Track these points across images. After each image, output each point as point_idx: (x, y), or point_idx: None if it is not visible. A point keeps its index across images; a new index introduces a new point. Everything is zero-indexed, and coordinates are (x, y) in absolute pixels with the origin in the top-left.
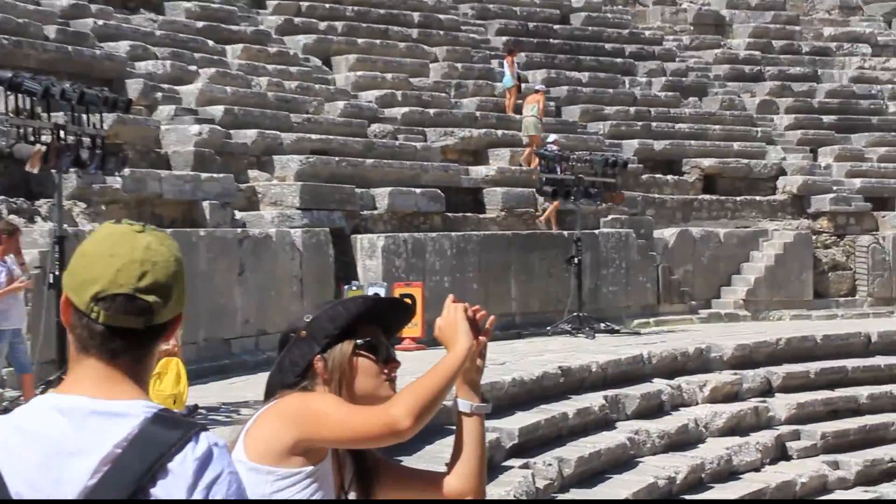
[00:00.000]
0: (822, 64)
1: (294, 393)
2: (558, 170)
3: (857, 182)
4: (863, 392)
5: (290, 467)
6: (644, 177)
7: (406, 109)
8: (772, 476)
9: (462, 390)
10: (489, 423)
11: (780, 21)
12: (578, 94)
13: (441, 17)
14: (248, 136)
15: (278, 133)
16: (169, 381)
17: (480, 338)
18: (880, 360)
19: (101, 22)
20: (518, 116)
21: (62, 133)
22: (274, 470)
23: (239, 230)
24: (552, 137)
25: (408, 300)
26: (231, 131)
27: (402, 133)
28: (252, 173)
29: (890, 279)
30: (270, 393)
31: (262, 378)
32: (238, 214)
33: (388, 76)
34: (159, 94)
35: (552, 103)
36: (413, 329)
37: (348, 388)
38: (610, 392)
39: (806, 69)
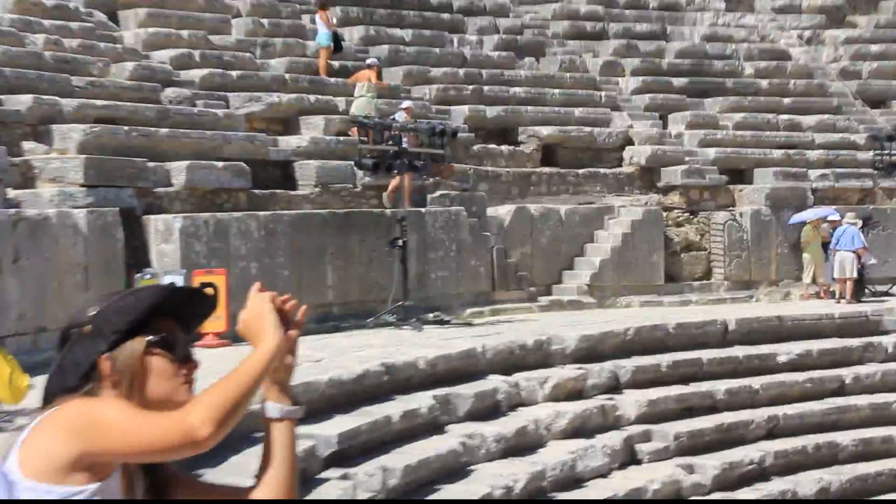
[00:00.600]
0: (671, 20)
1: (76, 398)
2: (402, 141)
3: (712, 152)
4: (719, 387)
5: (72, 485)
6: (476, 147)
7: (205, 72)
8: (620, 483)
9: (270, 392)
10: (303, 429)
11: None
12: (401, 54)
13: None
14: (21, 101)
15: (57, 99)
16: None
17: (291, 332)
18: (738, 351)
19: None
20: (332, 81)
21: None
22: (52, 489)
23: (12, 211)
24: (406, 104)
25: (209, 289)
26: (2, 97)
27: (201, 99)
28: (27, 145)
29: (748, 260)
30: (49, 399)
31: (40, 382)
32: (11, 193)
33: (184, 33)
34: None
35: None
36: (216, 323)
37: (140, 392)
38: (440, 391)
39: (654, 26)
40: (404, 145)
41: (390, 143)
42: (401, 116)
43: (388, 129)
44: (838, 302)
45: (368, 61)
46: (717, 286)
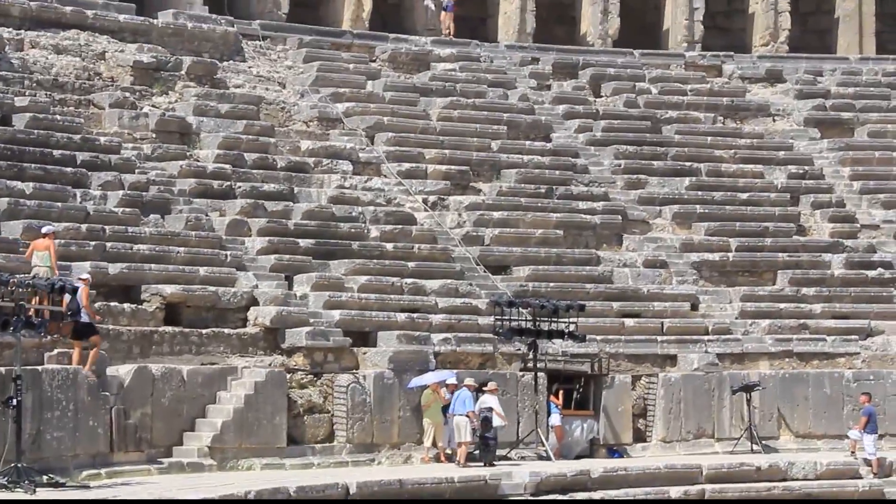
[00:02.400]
0: (298, 181)
1: None
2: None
3: (336, 314)
4: None
5: None
6: (97, 305)
7: None
8: None
9: None
10: None
11: (253, 132)
12: (21, 207)
13: None
14: None
15: None
16: None
17: None
18: None
19: None
20: None
21: None
22: None
23: None
24: (85, 275)
25: None
26: None
27: None
28: None
29: (371, 423)
30: None
31: None
32: None
33: None
34: None
35: None
36: None
37: None
38: None
39: (281, 186)
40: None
41: (6, 299)
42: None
43: (4, 284)
44: (458, 465)
45: (44, 229)
46: (339, 448)
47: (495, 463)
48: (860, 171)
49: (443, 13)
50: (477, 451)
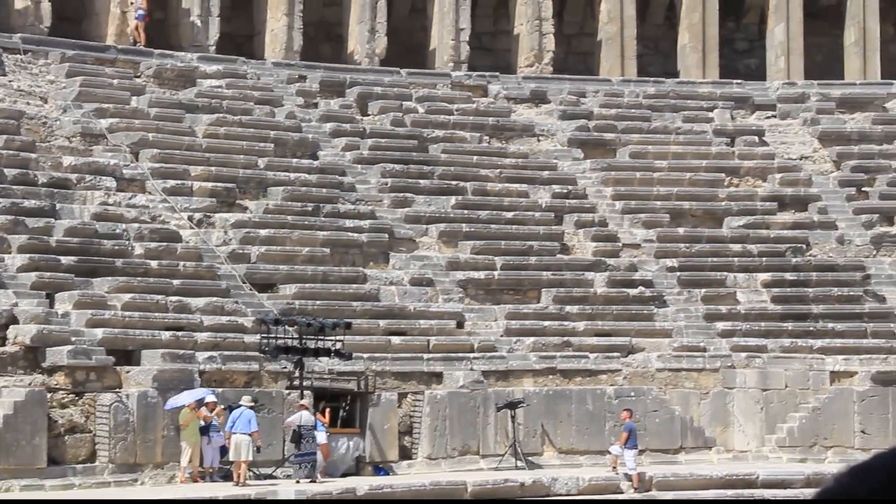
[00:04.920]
0: (61, 197)
1: None
2: None
3: (99, 333)
4: None
5: None
6: None
7: None
8: None
9: None
10: None
11: (14, 147)
12: None
13: None
14: None
15: None
16: None
17: None
18: None
19: None
20: None
21: None
22: None
23: None
24: None
25: None
26: None
27: None
28: None
29: (134, 442)
30: None
31: None
32: None
33: None
34: None
35: None
36: None
37: None
38: None
39: (43, 203)
40: None
41: None
42: None
43: None
44: (236, 484)
45: None
46: (101, 469)
47: (317, 480)
48: (622, 191)
49: (134, 22)
50: (301, 468)
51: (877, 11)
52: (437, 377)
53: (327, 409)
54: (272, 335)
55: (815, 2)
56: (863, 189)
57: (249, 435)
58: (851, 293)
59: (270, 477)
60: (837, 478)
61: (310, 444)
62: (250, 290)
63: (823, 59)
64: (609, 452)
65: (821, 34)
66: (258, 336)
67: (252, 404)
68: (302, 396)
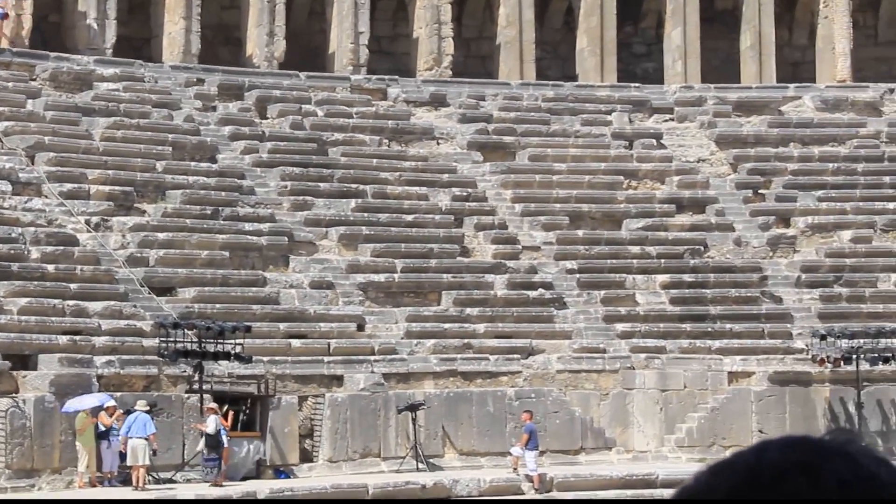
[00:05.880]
0: None
1: None
2: None
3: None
4: None
5: None
6: None
7: None
8: None
9: None
10: None
11: None
12: None
13: None
14: None
15: None
16: None
17: None
18: None
19: None
20: None
21: None
22: None
23: None
24: None
25: None
26: None
27: None
28: None
29: (31, 448)
30: None
31: None
32: None
33: None
34: None
35: None
36: None
37: None
38: None
39: None
40: None
41: None
42: None
43: None
44: (136, 489)
45: None
46: None
47: (223, 484)
48: (521, 194)
49: None
50: (209, 471)
51: (772, 16)
52: (338, 380)
53: (229, 413)
54: (171, 339)
55: (712, 6)
56: (759, 191)
57: (146, 439)
58: (748, 294)
59: (170, 481)
60: (697, 476)
61: (217, 447)
62: (149, 293)
63: (720, 63)
64: (510, 454)
65: (718, 38)
66: (157, 340)
67: (147, 408)
68: (202, 400)
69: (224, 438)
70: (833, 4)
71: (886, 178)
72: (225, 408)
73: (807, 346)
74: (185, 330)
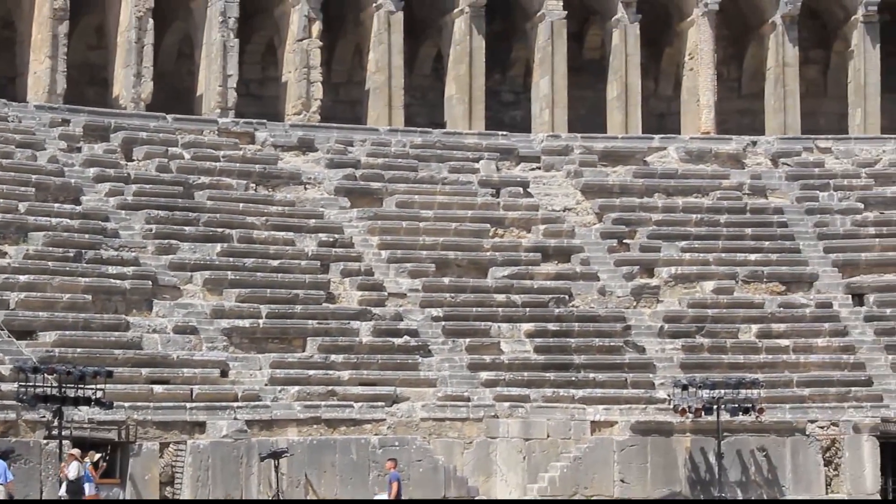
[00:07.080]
0: None
1: None
2: None
3: None
4: None
5: None
6: None
7: None
8: None
9: None
10: None
11: None
12: None
13: None
14: None
15: None
16: None
17: None
18: None
19: None
20: None
21: None
22: None
23: None
24: None
25: None
26: None
27: None
28: None
29: None
30: None
31: None
32: None
33: None
34: None
35: None
36: None
37: None
38: None
39: None
40: None
41: None
42: None
43: None
44: None
45: None
46: None
47: None
48: (388, 241)
49: None
50: None
51: (638, 67)
52: (200, 426)
53: (100, 463)
54: (31, 384)
55: (580, 55)
56: (624, 241)
57: (3, 485)
58: (612, 343)
59: None
60: None
61: (78, 493)
62: (8, 336)
63: (587, 113)
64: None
65: (585, 87)
66: (16, 384)
67: (4, 455)
68: (61, 447)
69: (90, 486)
70: (698, 57)
71: (748, 230)
72: (97, 457)
73: (669, 395)
74: (45, 374)
